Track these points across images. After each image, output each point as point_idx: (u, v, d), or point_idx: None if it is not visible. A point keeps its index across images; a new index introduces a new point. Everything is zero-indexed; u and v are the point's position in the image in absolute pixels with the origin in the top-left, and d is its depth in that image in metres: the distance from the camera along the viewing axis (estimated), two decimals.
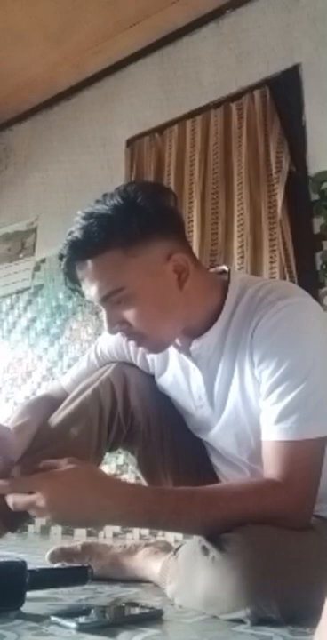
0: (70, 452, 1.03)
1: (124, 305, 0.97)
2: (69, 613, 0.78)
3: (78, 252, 0.96)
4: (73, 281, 1.01)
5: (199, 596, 0.85)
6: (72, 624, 0.74)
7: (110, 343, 1.21)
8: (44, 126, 3.30)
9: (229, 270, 1.07)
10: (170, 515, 0.88)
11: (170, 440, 1.19)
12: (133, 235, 0.94)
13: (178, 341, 1.07)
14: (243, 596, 0.80)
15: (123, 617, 0.82)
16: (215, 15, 2.64)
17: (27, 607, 0.86)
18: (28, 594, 0.87)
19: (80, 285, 1.01)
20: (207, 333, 1.02)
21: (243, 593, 0.80)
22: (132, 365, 1.19)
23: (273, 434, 0.93)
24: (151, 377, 1.20)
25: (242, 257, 2.23)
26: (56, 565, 1.19)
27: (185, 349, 1.06)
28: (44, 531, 2.69)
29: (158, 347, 1.04)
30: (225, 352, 1.02)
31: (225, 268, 1.09)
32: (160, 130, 2.70)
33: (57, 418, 1.11)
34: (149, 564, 1.11)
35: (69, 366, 2.83)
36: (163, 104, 2.75)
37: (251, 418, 1.01)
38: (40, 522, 2.74)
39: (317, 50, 2.31)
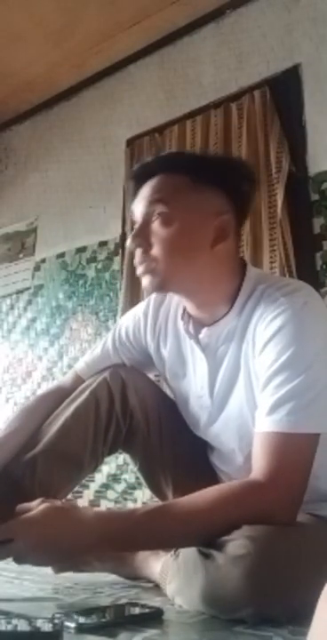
0: (66, 453, 1.04)
1: (157, 225, 1.00)
2: (69, 613, 0.78)
3: (159, 161, 1.05)
4: (137, 184, 1.05)
5: (200, 597, 0.85)
6: (72, 624, 0.73)
7: (129, 323, 1.21)
8: (44, 126, 3.30)
9: (247, 264, 1.08)
10: (148, 532, 0.87)
11: (169, 440, 1.18)
12: (204, 176, 1.01)
13: (190, 328, 1.07)
14: (244, 597, 0.80)
15: (123, 617, 0.82)
16: (215, 15, 2.64)
17: (26, 607, 0.86)
18: (29, 594, 0.87)
19: (138, 190, 1.05)
20: (217, 323, 1.03)
21: (245, 593, 0.79)
22: (131, 368, 1.20)
23: (264, 425, 0.92)
24: (151, 380, 1.20)
25: (242, 257, 2.23)
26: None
27: (195, 337, 1.07)
28: None
29: (158, 283, 1.02)
30: (232, 345, 1.02)
31: (245, 260, 1.11)
32: (160, 130, 2.70)
33: (55, 419, 1.12)
34: (150, 564, 1.11)
35: (69, 366, 2.83)
36: (163, 104, 2.75)
37: (253, 413, 1.00)
38: None
39: (317, 50, 2.31)
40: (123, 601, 0.92)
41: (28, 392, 2.97)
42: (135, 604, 0.87)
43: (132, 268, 2.57)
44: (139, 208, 1.03)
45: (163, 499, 1.20)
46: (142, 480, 1.26)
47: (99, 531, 0.86)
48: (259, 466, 0.91)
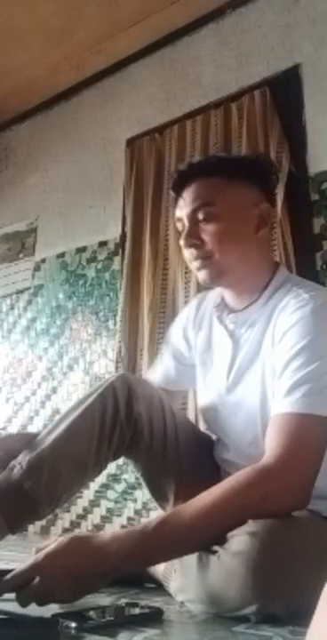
0: (71, 456, 1.06)
1: (207, 223, 1.11)
2: (69, 613, 0.78)
3: (194, 168, 1.15)
4: (176, 193, 1.16)
5: (204, 594, 0.86)
6: (72, 624, 0.74)
7: (174, 327, 1.35)
8: (44, 126, 3.30)
9: (280, 264, 1.21)
10: (165, 539, 0.87)
11: (173, 448, 1.19)
12: (238, 173, 1.13)
13: (224, 315, 1.19)
14: (248, 595, 0.80)
15: (123, 617, 0.82)
16: (215, 15, 2.64)
17: (26, 607, 0.86)
18: None
19: (178, 198, 1.16)
20: (244, 310, 1.14)
21: (249, 591, 0.80)
22: (139, 377, 1.30)
23: (280, 407, 0.96)
24: (158, 390, 1.25)
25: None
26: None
27: (224, 323, 1.18)
28: (44, 531, 2.69)
29: (216, 273, 1.12)
30: (254, 331, 1.11)
31: (278, 261, 1.24)
32: (160, 130, 2.70)
33: (61, 421, 1.13)
34: None
35: (69, 366, 2.83)
36: (163, 104, 2.75)
37: (263, 400, 1.06)
38: (40, 522, 2.74)
39: (317, 50, 2.31)
40: (123, 601, 0.92)
41: (28, 392, 2.97)
42: (135, 604, 0.87)
43: (132, 268, 2.59)
44: (185, 212, 1.13)
45: (165, 506, 1.21)
46: (146, 487, 1.26)
47: (120, 552, 0.86)
48: (271, 447, 0.93)
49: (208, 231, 1.11)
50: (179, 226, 1.18)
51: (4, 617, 0.75)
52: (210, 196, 1.11)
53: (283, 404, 0.95)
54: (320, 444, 0.93)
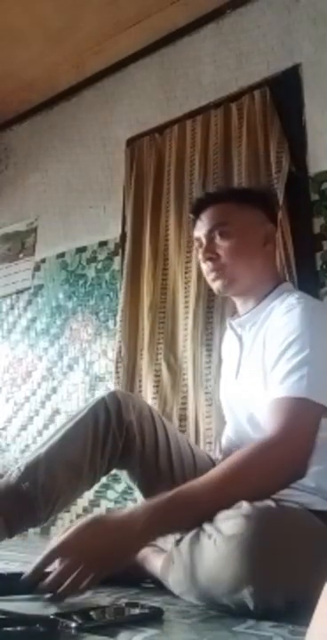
0: (67, 460, 1.13)
1: (222, 240, 1.28)
2: (69, 613, 0.78)
3: (212, 196, 1.36)
4: (196, 215, 1.35)
5: (201, 579, 0.88)
6: (72, 624, 0.74)
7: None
8: (44, 126, 3.30)
9: (286, 280, 1.42)
10: (184, 502, 0.94)
11: (165, 454, 1.26)
12: (246, 200, 1.33)
13: (242, 306, 1.33)
14: (244, 574, 0.83)
15: (123, 617, 0.82)
16: (215, 15, 2.64)
17: (26, 607, 0.86)
18: (29, 594, 0.87)
19: (196, 220, 1.35)
20: (247, 314, 1.29)
21: (245, 573, 0.83)
22: (129, 393, 1.45)
23: (275, 393, 1.05)
24: (147, 404, 1.38)
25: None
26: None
27: (233, 326, 1.34)
28: (44, 531, 2.69)
29: (230, 283, 1.29)
30: (254, 331, 1.25)
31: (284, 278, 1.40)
32: (160, 130, 2.70)
33: (57, 431, 1.20)
34: (151, 560, 1.12)
35: (69, 366, 2.83)
36: (163, 104, 2.75)
37: (260, 394, 1.15)
38: None
39: (317, 50, 2.31)
40: (123, 601, 0.92)
41: (28, 392, 2.97)
42: (135, 604, 0.87)
43: (133, 268, 2.59)
44: (202, 231, 1.31)
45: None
46: (142, 497, 1.29)
47: (139, 524, 0.90)
48: (269, 427, 1.01)
49: (222, 247, 1.28)
50: (197, 244, 1.35)
51: (4, 617, 0.75)
52: (223, 217, 1.29)
53: (278, 390, 1.05)
54: (314, 425, 1.01)
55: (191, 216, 1.37)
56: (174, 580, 0.95)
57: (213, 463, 1.30)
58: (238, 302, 1.35)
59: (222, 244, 1.28)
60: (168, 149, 2.62)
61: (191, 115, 2.59)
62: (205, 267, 1.31)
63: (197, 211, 1.35)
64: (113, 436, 1.21)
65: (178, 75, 2.74)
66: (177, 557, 0.95)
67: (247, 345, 1.26)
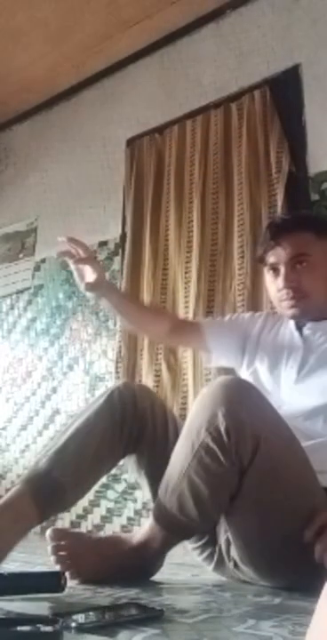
0: (90, 451, 1.17)
1: (303, 269, 1.34)
2: (69, 613, 0.78)
3: (292, 223, 1.43)
4: (275, 240, 1.38)
5: (186, 423, 1.09)
6: (72, 624, 0.73)
7: (249, 314, 1.57)
8: (44, 126, 3.30)
9: None
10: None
11: (174, 444, 1.24)
12: (324, 232, 1.39)
13: (301, 319, 1.39)
14: (219, 397, 1.03)
15: (123, 617, 0.82)
16: (215, 15, 2.64)
17: (26, 607, 0.86)
18: (29, 593, 0.87)
19: (273, 248, 1.39)
20: (321, 323, 1.36)
21: (220, 395, 1.03)
22: (141, 384, 1.52)
23: None
24: (157, 395, 1.47)
25: (242, 257, 2.24)
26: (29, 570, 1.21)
27: (300, 328, 1.39)
28: (44, 531, 2.68)
29: (308, 309, 1.36)
30: (325, 342, 1.33)
31: None
32: (160, 130, 2.70)
33: (75, 422, 1.22)
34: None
35: (69, 366, 2.83)
36: (163, 104, 2.75)
37: (320, 397, 1.25)
38: None
39: (317, 50, 2.31)
40: (123, 601, 0.92)
41: (28, 392, 2.97)
42: (135, 604, 0.87)
43: (133, 268, 2.59)
44: (283, 259, 1.36)
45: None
46: (147, 486, 1.30)
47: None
48: None
49: (304, 276, 1.34)
50: (268, 267, 1.40)
51: (4, 616, 0.75)
52: (307, 247, 1.35)
53: None
54: None
55: (271, 242, 1.40)
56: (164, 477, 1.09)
57: None
58: (305, 319, 1.40)
59: (303, 274, 1.34)
60: (168, 149, 2.62)
61: (191, 115, 2.59)
62: (281, 294, 1.36)
63: (277, 236, 1.38)
64: (129, 423, 1.24)
65: (178, 75, 2.74)
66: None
67: (318, 350, 1.32)
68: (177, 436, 1.25)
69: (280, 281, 1.37)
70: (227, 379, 1.10)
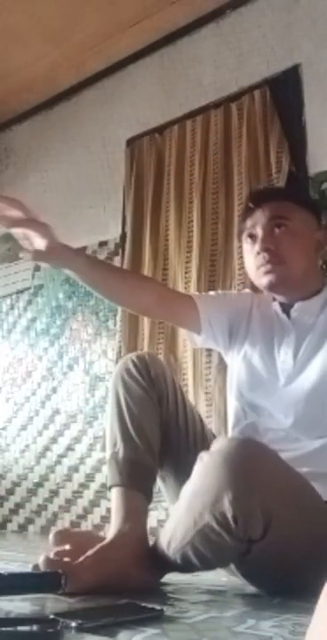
0: (142, 418, 1.19)
1: (282, 234, 1.27)
2: (69, 613, 0.78)
3: (274, 190, 1.54)
4: (254, 205, 1.33)
5: (187, 498, 0.97)
6: (72, 624, 0.73)
7: (236, 294, 1.52)
8: (44, 126, 3.30)
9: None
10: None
11: (183, 413, 1.28)
12: (305, 205, 1.35)
13: (284, 299, 1.31)
14: (225, 479, 0.90)
15: (123, 617, 0.82)
16: (215, 15, 2.64)
17: (26, 607, 0.86)
18: (29, 593, 0.87)
19: (251, 213, 1.32)
20: (310, 300, 1.28)
21: (225, 476, 0.90)
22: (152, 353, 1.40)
23: None
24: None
25: (242, 257, 2.23)
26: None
27: (286, 311, 1.30)
28: (44, 531, 2.69)
29: (283, 277, 1.26)
30: (318, 322, 1.25)
31: None
32: (160, 130, 2.70)
33: (116, 408, 1.21)
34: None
35: (69, 366, 2.83)
36: (163, 104, 2.75)
37: (322, 383, 1.18)
38: (40, 522, 2.75)
39: (317, 50, 2.31)
40: (123, 601, 0.92)
41: (28, 392, 2.97)
42: (135, 604, 0.87)
43: (132, 268, 2.59)
44: (261, 221, 1.29)
45: (169, 466, 1.26)
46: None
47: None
48: None
49: (282, 240, 1.27)
50: (245, 234, 1.33)
51: (4, 617, 0.75)
52: (286, 212, 1.29)
53: None
54: None
55: (250, 205, 1.33)
56: (165, 527, 1.03)
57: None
58: (284, 298, 1.33)
59: (281, 238, 1.27)
60: (168, 149, 2.62)
61: (191, 115, 2.59)
62: (258, 259, 1.27)
63: (256, 201, 1.33)
64: (147, 390, 1.22)
65: (178, 75, 2.74)
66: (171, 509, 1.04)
67: (311, 332, 1.25)
68: (184, 403, 1.28)
69: (257, 245, 1.29)
70: (232, 447, 0.95)
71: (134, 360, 1.25)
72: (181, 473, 1.21)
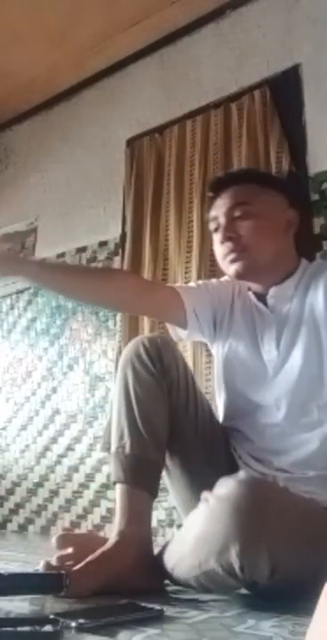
0: (148, 409, 1.16)
1: (243, 220, 1.23)
2: (69, 613, 0.78)
3: (234, 175, 1.33)
4: (215, 193, 1.30)
5: (192, 539, 0.92)
6: (72, 624, 0.74)
7: (217, 281, 1.40)
8: (44, 126, 3.30)
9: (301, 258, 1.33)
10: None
11: (193, 399, 1.25)
12: (270, 183, 1.30)
13: (258, 287, 1.27)
14: (232, 530, 0.86)
15: (123, 617, 0.82)
16: (215, 15, 2.64)
17: (26, 607, 0.86)
18: (31, 595, 0.87)
19: (215, 198, 1.29)
20: (284, 284, 1.25)
21: (233, 526, 0.86)
22: (164, 337, 1.31)
23: None
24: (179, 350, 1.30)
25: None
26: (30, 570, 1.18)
27: (262, 299, 1.27)
28: (44, 531, 2.69)
29: (250, 265, 1.23)
30: (294, 302, 1.23)
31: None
32: (160, 130, 2.70)
33: (122, 395, 1.19)
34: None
35: (69, 366, 2.83)
36: (163, 104, 2.75)
37: (306, 368, 1.17)
38: (40, 522, 2.75)
39: (317, 50, 2.31)
40: (123, 601, 0.92)
41: (28, 392, 2.97)
42: (135, 604, 0.87)
43: (132, 268, 2.59)
44: (222, 210, 1.25)
45: (176, 458, 1.24)
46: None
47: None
48: None
49: (244, 227, 1.22)
50: (211, 225, 1.29)
51: (4, 617, 0.75)
52: (246, 196, 1.25)
53: None
54: None
55: (209, 194, 1.31)
56: (170, 550, 0.99)
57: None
58: (258, 286, 1.29)
59: (244, 225, 1.22)
60: (168, 149, 2.62)
61: (191, 115, 2.60)
62: (223, 248, 1.25)
63: (217, 189, 1.29)
64: (157, 378, 1.19)
65: (178, 75, 2.74)
66: (176, 533, 1.00)
67: (289, 318, 1.22)
68: (195, 389, 1.26)
69: (219, 234, 1.26)
70: (240, 494, 0.89)
71: (146, 344, 1.20)
72: (187, 466, 1.21)
